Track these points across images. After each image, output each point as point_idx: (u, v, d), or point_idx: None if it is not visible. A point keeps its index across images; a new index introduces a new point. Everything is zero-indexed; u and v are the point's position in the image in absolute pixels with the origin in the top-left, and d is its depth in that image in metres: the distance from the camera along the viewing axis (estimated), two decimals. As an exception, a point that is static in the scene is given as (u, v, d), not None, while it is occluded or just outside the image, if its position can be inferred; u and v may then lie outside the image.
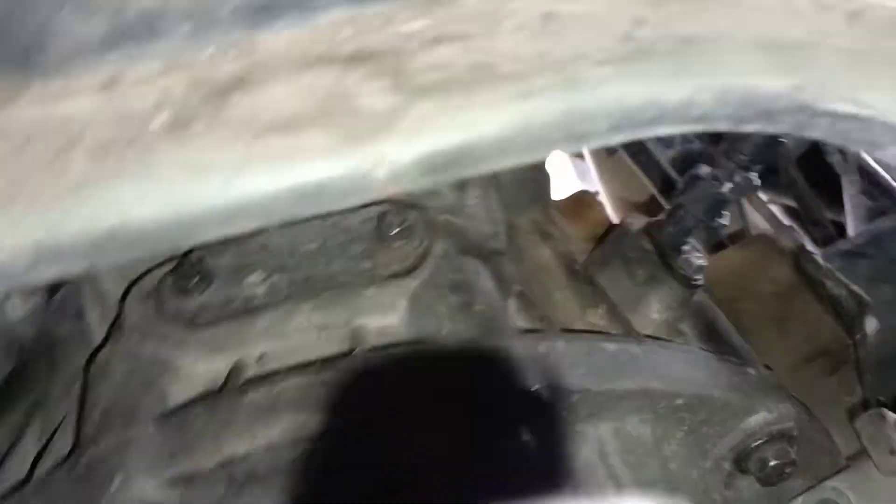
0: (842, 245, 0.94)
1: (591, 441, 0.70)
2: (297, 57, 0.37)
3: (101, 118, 0.37)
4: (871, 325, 0.89)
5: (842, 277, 0.90)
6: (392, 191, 0.36)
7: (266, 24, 0.37)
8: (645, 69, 0.37)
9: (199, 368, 0.68)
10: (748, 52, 0.37)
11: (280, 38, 0.37)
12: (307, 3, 0.37)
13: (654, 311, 0.79)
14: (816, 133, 0.36)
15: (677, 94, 0.36)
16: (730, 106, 0.36)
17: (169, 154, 0.35)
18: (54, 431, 0.71)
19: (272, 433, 0.60)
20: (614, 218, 0.91)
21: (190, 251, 0.73)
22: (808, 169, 1.48)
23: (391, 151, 0.35)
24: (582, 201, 0.96)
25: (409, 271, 0.70)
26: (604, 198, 1.74)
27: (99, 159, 0.35)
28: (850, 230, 1.39)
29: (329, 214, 0.74)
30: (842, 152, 0.66)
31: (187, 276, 0.68)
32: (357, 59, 0.37)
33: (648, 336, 0.76)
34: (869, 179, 0.74)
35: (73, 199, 0.34)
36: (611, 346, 0.69)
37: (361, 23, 0.38)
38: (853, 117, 0.35)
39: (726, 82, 0.36)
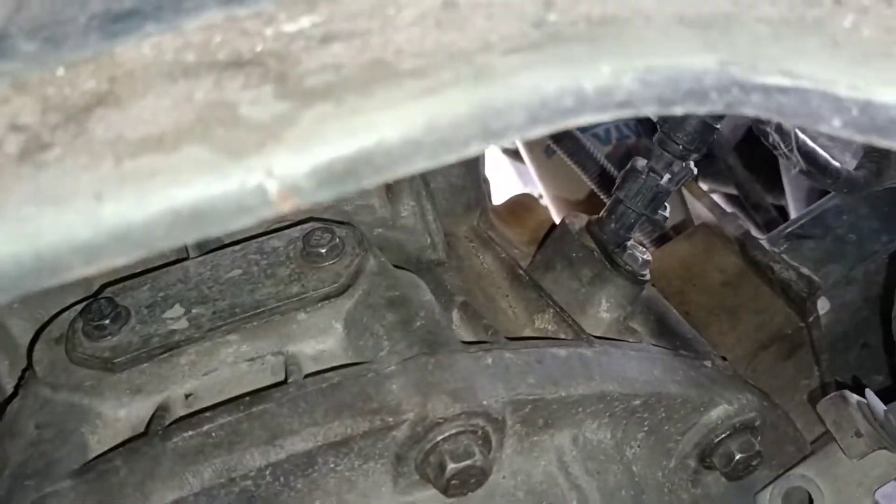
0: (787, 228, 0.93)
1: (549, 452, 0.67)
2: (164, 67, 0.32)
3: (-59, 150, 0.32)
4: (822, 305, 0.88)
5: (790, 260, 0.88)
6: (288, 207, 0.32)
7: (125, 35, 0.33)
8: (560, 55, 0.33)
9: (121, 414, 0.63)
10: (669, 29, 0.34)
11: (143, 48, 0.33)
12: (171, 7, 0.33)
13: (603, 310, 0.77)
14: (750, 110, 0.33)
15: (597, 79, 0.33)
16: (655, 87, 0.33)
17: (21, 185, 0.30)
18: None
19: (203, 477, 0.55)
20: (557, 219, 0.88)
21: (100, 290, 0.67)
22: (746, 156, 1.49)
23: (281, 164, 0.31)
24: (522, 204, 0.92)
25: (341, 291, 0.65)
26: (546, 200, 1.73)
27: (-60, 197, 0.30)
28: (793, 213, 1.40)
29: (251, 238, 0.69)
30: (780, 133, 0.64)
31: (99, 316, 0.63)
32: (235, 64, 0.33)
33: (599, 337, 0.73)
34: (807, 160, 0.73)
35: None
36: (561, 352, 0.66)
37: (237, 25, 0.33)
38: (787, 90, 0.32)
39: (649, 63, 0.33)
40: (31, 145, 0.31)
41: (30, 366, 0.65)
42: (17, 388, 0.67)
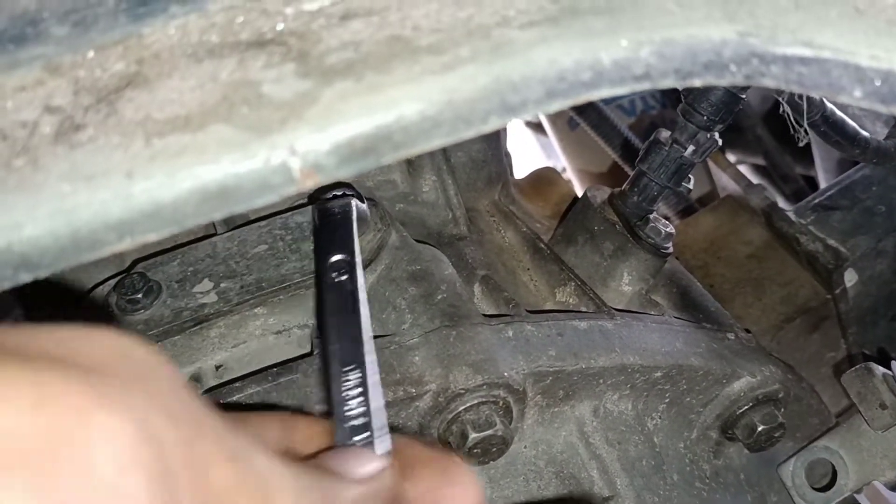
0: (814, 199, 0.91)
1: (570, 422, 0.67)
2: (190, 48, 0.33)
3: (-21, 131, 0.33)
4: (850, 278, 0.87)
5: (816, 232, 0.88)
6: (310, 183, 0.32)
7: (152, 17, 0.34)
8: (577, 28, 0.34)
9: (154, 386, 0.65)
10: (687, 0, 0.34)
11: (169, 29, 0.34)
12: (195, -13, 0.33)
13: (625, 283, 0.77)
14: (770, 81, 0.33)
15: (615, 53, 0.33)
16: (674, 60, 0.33)
17: (57, 164, 0.31)
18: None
19: None
20: (579, 193, 0.88)
21: (132, 265, 0.69)
22: (775, 126, 1.47)
23: (303, 141, 0.32)
24: (544, 178, 0.92)
25: (364, 266, 0.66)
26: (569, 173, 1.72)
27: (-20, 177, 0.32)
28: (822, 184, 1.38)
29: (276, 214, 0.70)
30: (791, 105, 0.64)
31: (131, 290, 0.64)
32: (257, 44, 0.33)
33: (621, 310, 0.74)
34: (835, 129, 0.71)
35: (-46, 222, 0.31)
36: (581, 325, 0.66)
37: (259, 5, 0.34)
38: (808, 60, 0.32)
39: (667, 34, 0.33)
40: (65, 126, 0.32)
41: (67, 339, 0.67)
42: (55, 360, 0.70)
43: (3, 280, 0.31)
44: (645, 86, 0.33)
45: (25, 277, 0.32)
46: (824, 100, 0.72)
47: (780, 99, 0.63)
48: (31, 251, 0.31)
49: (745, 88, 0.69)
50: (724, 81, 0.33)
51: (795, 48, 0.32)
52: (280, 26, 0.34)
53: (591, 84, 0.33)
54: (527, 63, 0.33)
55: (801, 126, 0.60)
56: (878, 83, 0.32)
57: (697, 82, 0.33)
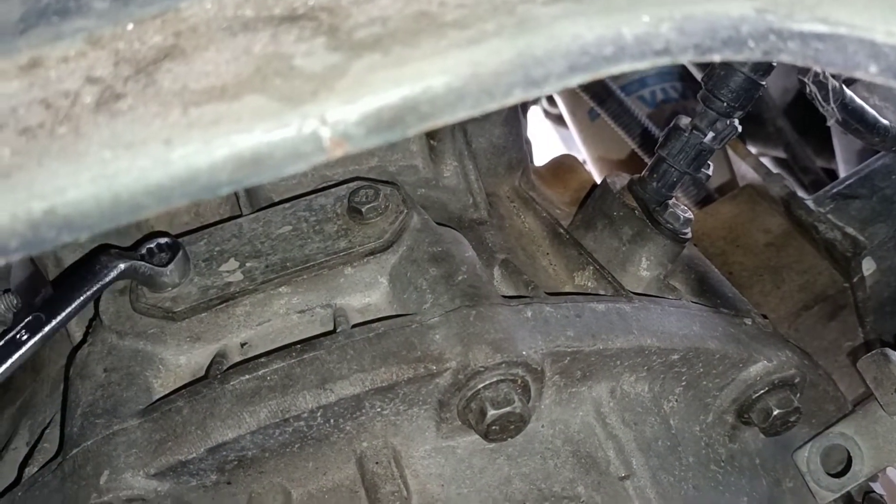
0: (833, 188, 0.91)
1: (587, 403, 0.68)
2: (225, 22, 0.35)
3: (26, 101, 0.35)
4: (868, 266, 0.87)
5: (835, 220, 0.88)
6: (339, 152, 0.34)
7: (189, -11, 0.35)
8: (600, 4, 0.35)
9: (182, 360, 0.67)
10: (708, -23, 0.35)
11: (205, 4, 0.35)
12: (232, -38, 0.35)
13: (643, 268, 0.78)
14: (787, 57, 0.34)
15: (637, 28, 0.34)
16: (693, 36, 0.34)
17: (99, 132, 0.33)
18: (41, 434, 0.70)
19: (260, 416, 0.58)
20: (598, 181, 0.89)
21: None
22: (796, 118, 1.46)
23: (333, 112, 0.33)
24: (564, 165, 0.93)
25: (386, 247, 0.68)
26: (589, 164, 1.73)
27: (26, 143, 0.33)
28: (842, 175, 1.37)
29: (300, 196, 0.72)
30: (817, 84, 0.64)
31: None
32: (290, 18, 0.35)
33: (639, 294, 0.74)
34: (854, 117, 0.72)
35: (3, 184, 0.32)
36: (600, 307, 0.67)
37: (292, -22, 0.35)
38: (824, 37, 0.33)
39: (687, 10, 0.34)
40: (105, 95, 0.34)
41: (97, 315, 0.69)
42: (85, 335, 0.72)
43: (47, 240, 0.33)
44: (665, 60, 0.34)
45: (67, 238, 0.33)
46: (844, 87, 0.72)
47: (806, 79, 0.63)
48: (73, 214, 0.32)
49: (764, 74, 0.69)
50: (742, 57, 0.34)
51: (812, 24, 0.33)
52: (311, 2, 0.36)
53: (612, 58, 0.34)
54: (550, 38, 0.34)
55: (828, 105, 0.60)
56: (893, 59, 0.32)
57: (716, 57, 0.34)
